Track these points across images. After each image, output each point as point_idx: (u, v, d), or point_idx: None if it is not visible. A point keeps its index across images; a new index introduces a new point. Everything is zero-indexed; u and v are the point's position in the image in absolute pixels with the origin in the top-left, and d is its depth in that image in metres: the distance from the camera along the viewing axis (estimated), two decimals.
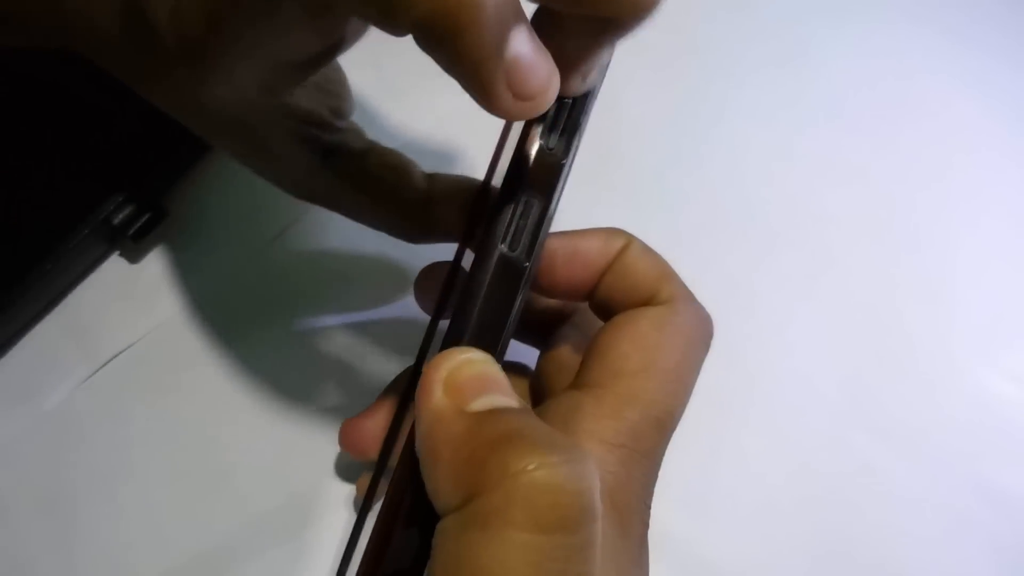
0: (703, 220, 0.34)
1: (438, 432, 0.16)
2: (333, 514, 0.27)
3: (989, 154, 0.36)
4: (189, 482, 0.27)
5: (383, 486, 0.21)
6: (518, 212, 0.20)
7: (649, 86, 0.35)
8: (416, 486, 0.17)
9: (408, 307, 0.30)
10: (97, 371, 0.28)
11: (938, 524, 0.29)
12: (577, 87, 0.19)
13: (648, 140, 0.34)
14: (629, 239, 0.22)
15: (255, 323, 0.29)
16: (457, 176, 0.24)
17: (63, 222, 0.28)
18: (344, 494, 0.27)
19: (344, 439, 0.25)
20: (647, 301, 0.21)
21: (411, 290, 0.26)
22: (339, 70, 0.23)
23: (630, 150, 0.34)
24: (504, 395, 0.17)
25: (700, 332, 0.21)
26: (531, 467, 0.15)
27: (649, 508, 0.19)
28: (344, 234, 0.31)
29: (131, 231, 0.28)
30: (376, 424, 0.24)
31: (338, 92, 0.23)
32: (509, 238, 0.20)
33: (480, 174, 0.24)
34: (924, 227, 0.34)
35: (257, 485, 0.27)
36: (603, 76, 0.21)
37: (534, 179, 0.19)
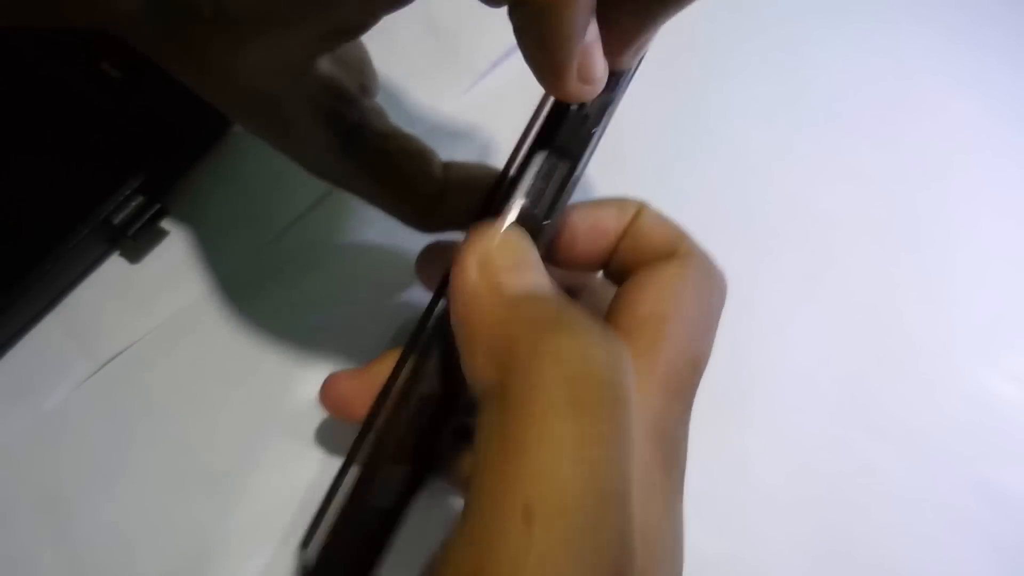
0: (703, 220, 0.33)
1: (474, 310, 0.16)
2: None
3: (989, 154, 0.36)
4: (189, 482, 0.27)
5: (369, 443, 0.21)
6: (543, 171, 0.20)
7: (649, 86, 0.35)
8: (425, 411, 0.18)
9: (410, 307, 0.30)
10: (97, 371, 0.28)
11: (938, 524, 0.29)
12: (629, 62, 0.19)
13: (648, 140, 0.34)
14: (642, 205, 0.22)
15: (255, 322, 0.29)
16: (473, 165, 0.24)
17: (63, 222, 0.28)
18: None
19: (325, 393, 0.24)
20: (664, 259, 0.21)
21: (413, 291, 0.26)
22: (362, 47, 0.23)
23: (630, 150, 0.34)
24: (539, 276, 0.17)
25: (719, 284, 0.21)
26: (568, 346, 0.15)
27: (686, 449, 0.19)
28: (345, 234, 0.31)
29: (131, 231, 0.28)
30: (358, 385, 0.24)
31: (362, 69, 0.23)
32: (532, 194, 0.20)
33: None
34: (924, 227, 0.34)
35: (257, 484, 0.27)
36: (642, 56, 0.21)
37: (564, 141, 0.19)
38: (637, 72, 0.22)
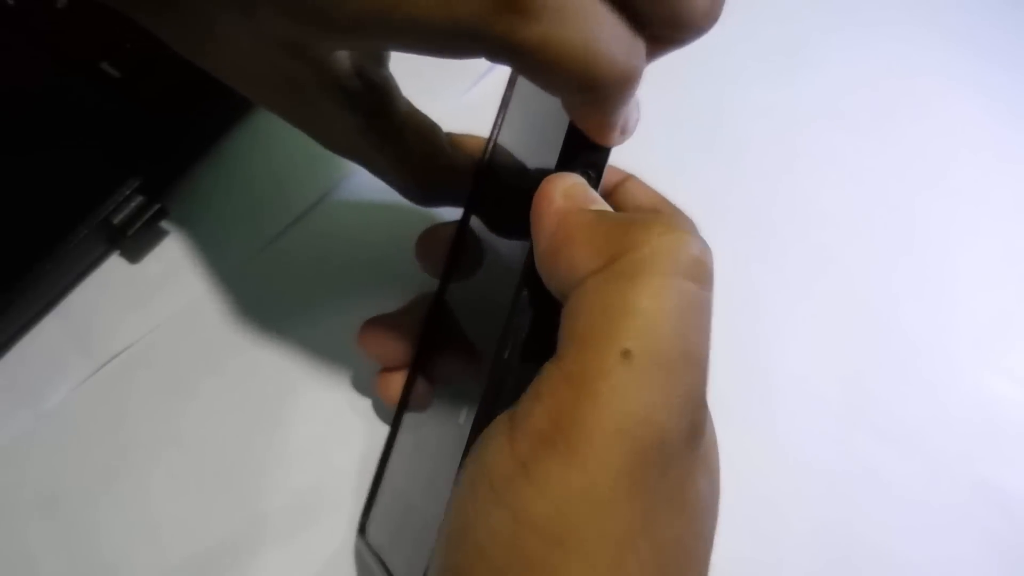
0: (703, 221, 0.33)
1: (570, 220, 0.18)
2: (334, 515, 0.27)
3: (990, 154, 0.36)
4: (189, 482, 0.27)
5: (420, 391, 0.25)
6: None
7: (649, 86, 0.35)
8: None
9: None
10: (97, 371, 0.28)
11: (938, 524, 0.29)
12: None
13: (648, 141, 0.34)
14: (628, 174, 0.24)
15: (255, 323, 0.29)
16: (475, 139, 0.25)
17: (63, 222, 0.28)
18: (346, 494, 0.27)
19: (366, 337, 0.26)
20: None
21: (413, 288, 0.26)
22: None
23: (630, 151, 0.34)
24: (608, 207, 0.20)
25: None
26: (673, 231, 0.17)
27: None
28: (344, 234, 0.31)
29: (131, 231, 0.28)
30: (393, 326, 0.26)
31: None
32: None
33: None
34: (925, 227, 0.34)
35: (258, 484, 0.27)
36: None
37: (590, 154, 0.20)
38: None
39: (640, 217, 0.18)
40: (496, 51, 0.16)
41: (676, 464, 0.16)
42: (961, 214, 0.35)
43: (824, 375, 0.31)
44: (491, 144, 0.25)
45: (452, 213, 0.26)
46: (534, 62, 0.16)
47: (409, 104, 0.24)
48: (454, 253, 0.25)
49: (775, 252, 0.33)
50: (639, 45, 0.17)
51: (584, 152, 0.20)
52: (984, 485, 0.30)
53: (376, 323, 0.26)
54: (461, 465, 0.19)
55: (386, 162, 0.24)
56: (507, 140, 0.25)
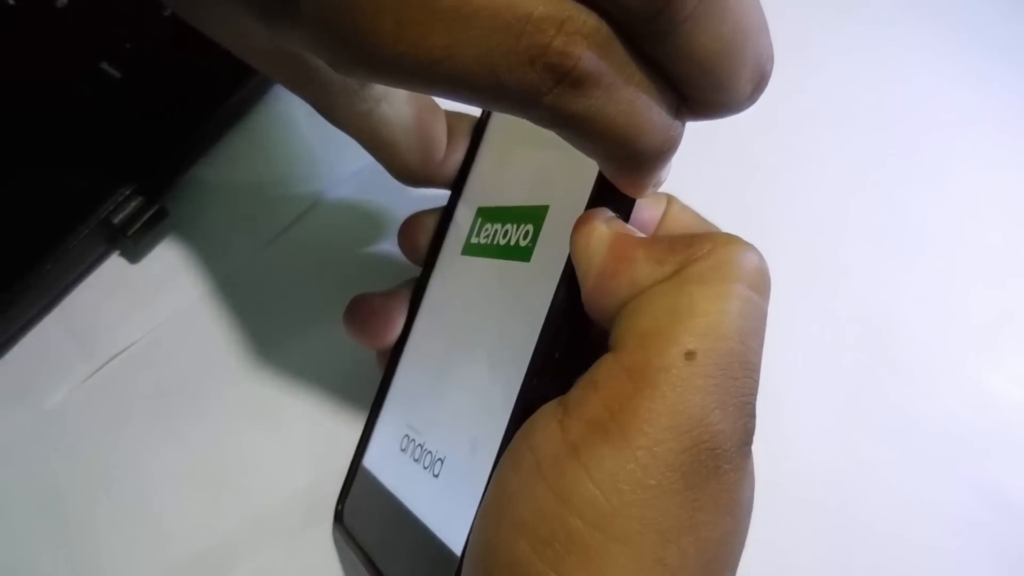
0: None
1: (625, 242, 0.19)
2: (333, 514, 0.27)
3: (991, 152, 0.36)
4: (189, 482, 0.27)
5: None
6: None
7: None
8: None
9: None
10: (97, 371, 0.28)
11: (939, 526, 0.29)
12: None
13: None
14: (670, 197, 0.24)
15: (255, 322, 0.29)
16: (467, 118, 0.25)
17: (63, 222, 0.28)
18: None
19: (353, 317, 0.26)
20: None
21: (412, 286, 0.26)
22: None
23: None
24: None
25: None
26: (736, 241, 0.18)
27: None
28: (344, 233, 0.31)
29: (131, 231, 0.28)
30: (380, 304, 0.26)
31: None
32: None
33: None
34: (925, 226, 0.34)
35: (258, 484, 0.27)
36: None
37: (620, 200, 0.20)
38: None
39: (701, 231, 0.18)
40: (539, 119, 0.16)
41: (727, 468, 0.17)
42: (962, 213, 0.35)
43: (825, 376, 0.31)
44: (484, 126, 0.25)
45: (442, 197, 0.26)
46: (578, 132, 0.16)
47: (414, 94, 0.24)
48: (438, 239, 0.25)
49: (774, 251, 0.33)
50: (680, 119, 0.18)
51: (613, 198, 0.20)
52: (986, 487, 0.30)
53: (362, 302, 0.26)
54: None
55: (384, 144, 0.24)
56: (499, 124, 0.25)
